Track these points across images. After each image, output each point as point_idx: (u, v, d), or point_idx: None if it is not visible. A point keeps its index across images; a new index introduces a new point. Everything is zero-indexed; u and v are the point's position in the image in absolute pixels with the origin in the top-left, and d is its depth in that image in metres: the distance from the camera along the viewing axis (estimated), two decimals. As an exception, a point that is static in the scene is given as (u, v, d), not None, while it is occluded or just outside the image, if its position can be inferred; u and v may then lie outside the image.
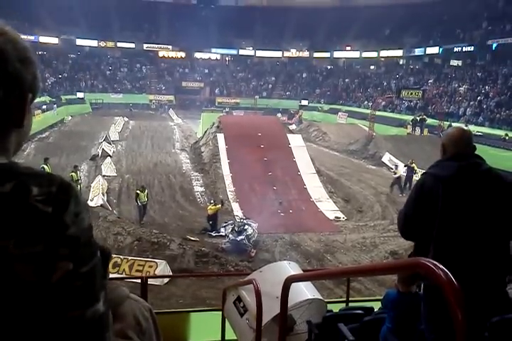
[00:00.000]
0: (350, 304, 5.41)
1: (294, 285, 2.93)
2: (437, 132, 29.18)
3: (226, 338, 4.71)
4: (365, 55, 52.07)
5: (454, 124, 26.56)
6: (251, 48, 57.15)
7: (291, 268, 3.92)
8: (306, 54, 56.09)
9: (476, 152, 2.63)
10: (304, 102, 49.34)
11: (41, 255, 0.69)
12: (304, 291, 3.74)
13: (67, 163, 21.42)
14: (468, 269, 2.33)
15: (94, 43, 52.44)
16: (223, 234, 14.81)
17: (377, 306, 4.23)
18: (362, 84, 49.35)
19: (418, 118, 32.54)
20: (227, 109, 45.24)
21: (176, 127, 36.53)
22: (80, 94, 46.38)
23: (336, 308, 4.38)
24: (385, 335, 3.43)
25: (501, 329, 2.43)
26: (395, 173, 21.12)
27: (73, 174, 17.06)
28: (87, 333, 0.73)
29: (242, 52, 57.08)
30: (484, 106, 32.96)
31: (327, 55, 55.20)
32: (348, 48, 53.12)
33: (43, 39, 47.05)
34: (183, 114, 44.09)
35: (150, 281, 5.25)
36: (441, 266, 1.31)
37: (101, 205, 16.34)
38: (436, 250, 2.42)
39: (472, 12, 42.01)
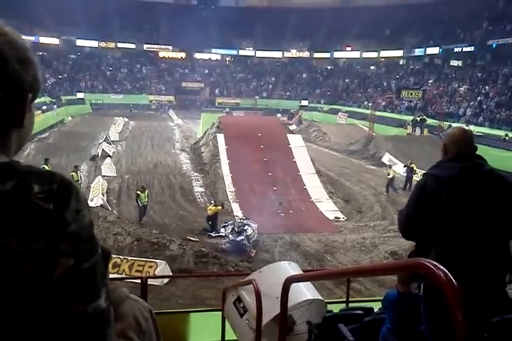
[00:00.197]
0: (350, 304, 5.41)
1: (293, 285, 2.93)
2: (437, 132, 29.17)
3: (226, 338, 4.70)
4: (366, 55, 52.06)
5: (454, 125, 26.56)
6: (251, 49, 57.16)
7: (291, 269, 3.92)
8: (306, 54, 56.10)
9: (477, 152, 2.63)
10: (304, 102, 49.34)
11: (43, 252, 0.70)
12: (304, 291, 3.74)
13: (67, 164, 21.44)
14: (469, 269, 2.34)
15: (94, 44, 52.44)
16: (223, 234, 14.81)
17: (377, 306, 4.23)
18: (362, 85, 49.36)
19: (418, 119, 32.54)
20: (227, 110, 45.24)
21: (176, 127, 36.55)
22: (80, 95, 46.38)
23: (335, 309, 4.39)
24: (385, 336, 3.43)
25: (501, 329, 2.43)
26: (389, 174, 21.16)
27: (73, 174, 17.09)
28: (88, 329, 0.74)
29: (242, 52, 57.09)
30: (484, 107, 32.96)
31: (327, 55, 55.21)
32: (348, 48, 53.10)
33: (43, 40, 47.01)
34: (183, 114, 44.09)
35: (150, 281, 5.26)
36: (441, 267, 1.31)
37: (101, 205, 16.35)
38: (438, 250, 2.43)
39: (472, 12, 42.00)
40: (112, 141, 28.64)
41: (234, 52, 56.89)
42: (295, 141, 23.22)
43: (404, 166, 22.19)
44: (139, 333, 1.01)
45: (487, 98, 33.85)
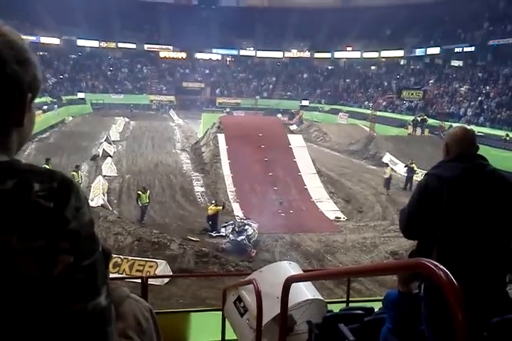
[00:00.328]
0: (351, 304, 5.40)
1: (294, 285, 2.93)
2: (438, 132, 29.18)
3: (226, 338, 4.70)
4: (366, 55, 52.04)
5: (455, 125, 26.49)
6: (252, 49, 57.16)
7: (292, 269, 3.92)
8: (307, 54, 56.09)
9: (478, 152, 2.63)
10: (305, 102, 49.31)
11: (43, 249, 0.71)
12: (305, 291, 3.74)
13: (68, 163, 21.45)
14: (470, 269, 2.34)
15: (95, 44, 52.45)
16: (223, 234, 14.82)
17: (377, 306, 4.23)
18: (363, 85, 49.34)
19: (419, 119, 32.53)
20: (227, 110, 45.20)
21: (176, 127, 36.58)
22: (80, 95, 46.40)
23: (336, 308, 4.38)
24: (386, 335, 3.43)
25: (501, 329, 2.43)
26: (385, 173, 21.22)
27: (74, 173, 17.13)
28: (88, 326, 0.74)
29: (242, 52, 57.10)
30: (485, 107, 32.94)
31: (328, 55, 55.20)
32: (349, 49, 53.10)
33: (44, 40, 47.04)
34: (184, 114, 44.11)
35: (150, 281, 5.26)
36: (441, 267, 1.31)
37: (101, 205, 16.35)
38: (440, 250, 2.43)
39: (473, 12, 41.97)
40: (113, 141, 28.67)
41: (235, 52, 56.90)
42: (296, 141, 23.23)
43: (405, 166, 22.21)
44: (139, 333, 1.01)
45: (488, 98, 33.84)
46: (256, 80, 55.61)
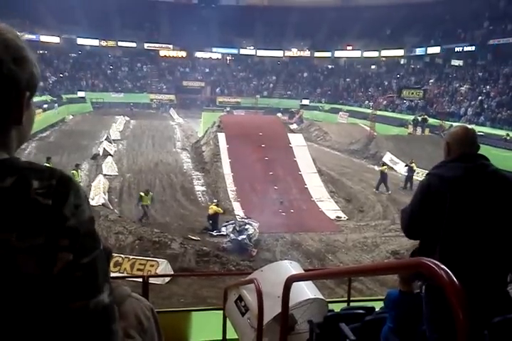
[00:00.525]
0: (352, 304, 5.40)
1: (295, 284, 2.93)
2: (438, 132, 29.16)
3: (227, 337, 4.70)
4: (366, 54, 52.00)
5: (456, 124, 26.51)
6: (252, 47, 57.14)
7: (293, 268, 3.91)
8: (307, 53, 56.04)
9: (479, 152, 2.63)
10: (305, 102, 49.31)
11: (43, 247, 0.71)
12: (305, 291, 3.73)
13: (68, 162, 21.44)
14: (472, 269, 2.34)
15: (95, 42, 52.40)
16: (224, 233, 14.82)
17: (378, 306, 4.23)
18: (363, 84, 49.32)
19: (419, 118, 32.53)
20: (228, 109, 45.22)
21: (176, 126, 36.55)
22: (80, 93, 46.41)
23: (337, 308, 4.38)
24: (386, 335, 3.43)
25: (503, 329, 2.43)
26: (381, 171, 21.30)
27: (74, 172, 17.13)
28: (92, 324, 0.73)
29: (243, 51, 57.08)
30: (485, 106, 32.92)
31: (328, 54, 55.15)
32: (349, 48, 53.06)
33: (44, 38, 47.00)
34: (184, 113, 44.11)
35: (151, 280, 5.25)
36: (442, 266, 1.30)
37: (102, 204, 16.34)
38: (443, 249, 2.43)
39: (473, 12, 41.94)
40: (113, 140, 28.66)
41: (235, 51, 56.89)
42: (296, 140, 23.22)
43: (406, 166, 22.24)
44: (140, 331, 1.01)
45: (488, 98, 33.82)
46: (256, 79, 55.59)
